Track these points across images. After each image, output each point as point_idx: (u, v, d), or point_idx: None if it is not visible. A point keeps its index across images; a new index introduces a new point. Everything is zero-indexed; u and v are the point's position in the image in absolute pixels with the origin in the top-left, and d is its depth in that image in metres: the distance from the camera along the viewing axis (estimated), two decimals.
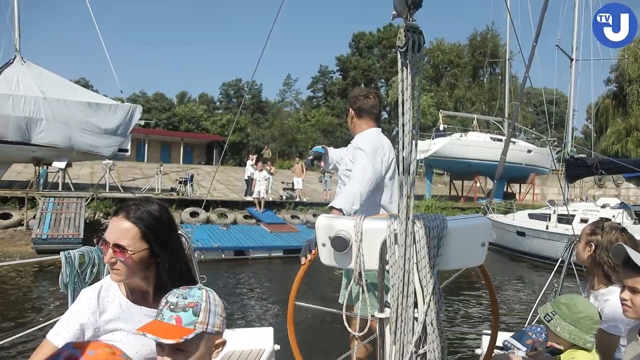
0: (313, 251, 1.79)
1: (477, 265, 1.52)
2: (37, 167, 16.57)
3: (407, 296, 1.32)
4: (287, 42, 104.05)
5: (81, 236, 12.24)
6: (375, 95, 3.08)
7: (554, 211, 14.77)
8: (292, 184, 20.17)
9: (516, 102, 24.62)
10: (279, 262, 13.27)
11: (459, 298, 8.67)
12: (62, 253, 2.62)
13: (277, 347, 3.32)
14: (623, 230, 2.45)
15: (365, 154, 2.73)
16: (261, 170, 17.19)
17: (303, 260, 1.84)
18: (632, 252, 1.68)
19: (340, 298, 2.92)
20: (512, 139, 28.53)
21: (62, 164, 16.47)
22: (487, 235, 1.47)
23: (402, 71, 1.25)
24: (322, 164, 3.36)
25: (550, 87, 64.43)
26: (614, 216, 12.81)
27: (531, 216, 16.00)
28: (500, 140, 25.67)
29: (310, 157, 3.37)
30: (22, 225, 13.44)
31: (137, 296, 1.64)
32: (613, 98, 54.26)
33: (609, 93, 55.76)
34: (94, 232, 12.99)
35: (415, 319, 1.33)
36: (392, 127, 49.19)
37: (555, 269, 3.93)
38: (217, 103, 66.34)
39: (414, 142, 1.27)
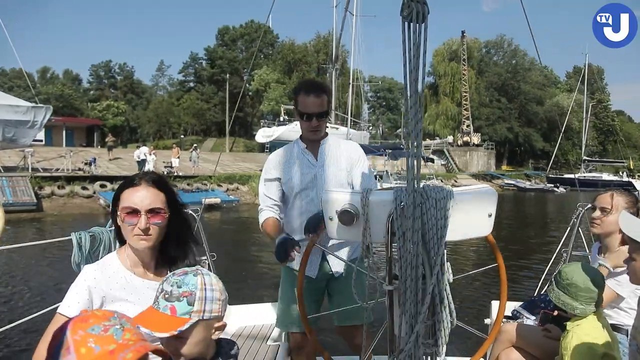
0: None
1: (484, 236, 1.55)
2: None
3: (415, 268, 1.30)
4: (159, 27, 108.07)
5: (34, 201, 19.06)
6: None
7: None
8: (171, 162, 27.88)
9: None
10: None
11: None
12: (73, 234, 2.58)
13: None
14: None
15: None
16: (150, 154, 24.78)
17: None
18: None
19: (284, 325, 2.65)
20: (335, 126, 38.86)
21: None
22: (494, 206, 1.49)
23: (406, 42, 1.22)
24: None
25: (388, 77, 78.26)
26: (381, 176, 23.03)
27: None
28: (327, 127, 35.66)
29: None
30: None
31: (139, 269, 1.68)
32: (430, 88, 69.05)
33: (428, 83, 70.62)
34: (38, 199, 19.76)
35: (424, 290, 1.33)
36: (250, 112, 57.47)
37: (564, 237, 3.88)
38: (88, 84, 68.42)
39: (419, 114, 1.24)
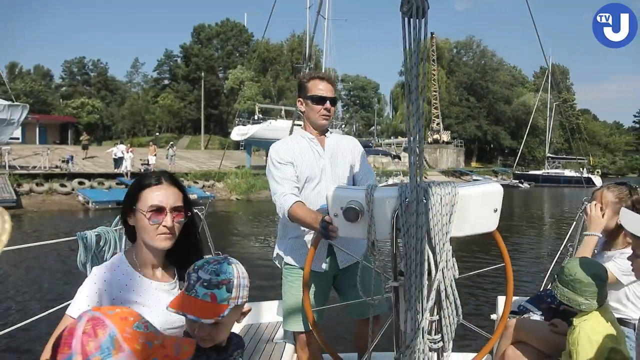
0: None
1: (490, 231, 1.54)
2: None
3: (421, 264, 1.29)
4: (134, 24, 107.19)
5: (14, 197, 19.59)
6: None
7: None
8: (147, 160, 28.50)
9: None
10: None
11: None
12: (78, 234, 2.55)
13: None
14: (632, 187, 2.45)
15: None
16: (128, 152, 25.42)
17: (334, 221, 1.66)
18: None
19: (292, 324, 2.54)
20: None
21: None
22: (499, 201, 1.47)
23: (406, 38, 1.20)
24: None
25: (362, 75, 79.64)
26: None
27: None
28: (301, 125, 36.49)
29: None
30: None
31: (148, 270, 1.65)
32: (402, 87, 70.73)
33: (400, 82, 72.46)
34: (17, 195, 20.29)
35: (429, 286, 1.33)
36: (225, 110, 57.91)
37: (569, 233, 3.82)
38: (60, 80, 67.68)
39: (420, 110, 1.22)
